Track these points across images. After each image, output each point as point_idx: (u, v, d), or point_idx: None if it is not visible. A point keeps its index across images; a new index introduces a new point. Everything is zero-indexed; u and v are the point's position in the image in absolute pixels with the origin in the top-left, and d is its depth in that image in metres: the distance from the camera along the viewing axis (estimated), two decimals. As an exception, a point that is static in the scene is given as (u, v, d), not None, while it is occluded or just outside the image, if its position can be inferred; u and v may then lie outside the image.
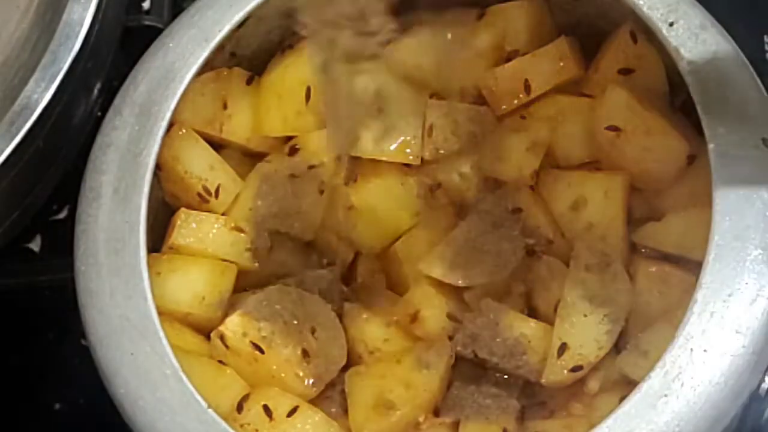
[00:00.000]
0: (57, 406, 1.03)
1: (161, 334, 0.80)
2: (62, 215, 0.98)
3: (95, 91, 0.89)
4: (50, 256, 0.97)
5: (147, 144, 0.85)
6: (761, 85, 0.83)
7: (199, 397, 0.79)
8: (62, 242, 0.87)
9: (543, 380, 0.82)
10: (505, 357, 0.84)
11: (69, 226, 0.86)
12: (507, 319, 0.84)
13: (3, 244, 0.87)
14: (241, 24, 0.89)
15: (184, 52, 0.88)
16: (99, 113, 0.90)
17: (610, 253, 0.84)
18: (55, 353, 1.03)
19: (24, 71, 0.82)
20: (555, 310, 0.84)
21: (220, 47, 0.88)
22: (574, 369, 0.82)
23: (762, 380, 0.85)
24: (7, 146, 0.80)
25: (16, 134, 0.80)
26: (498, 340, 0.84)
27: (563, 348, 0.82)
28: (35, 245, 0.98)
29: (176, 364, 0.80)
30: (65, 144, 0.87)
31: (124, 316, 0.81)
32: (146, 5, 0.96)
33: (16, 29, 0.84)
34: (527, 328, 0.84)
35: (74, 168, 0.88)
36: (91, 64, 0.85)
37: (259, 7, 0.89)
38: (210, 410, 0.79)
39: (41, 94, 0.81)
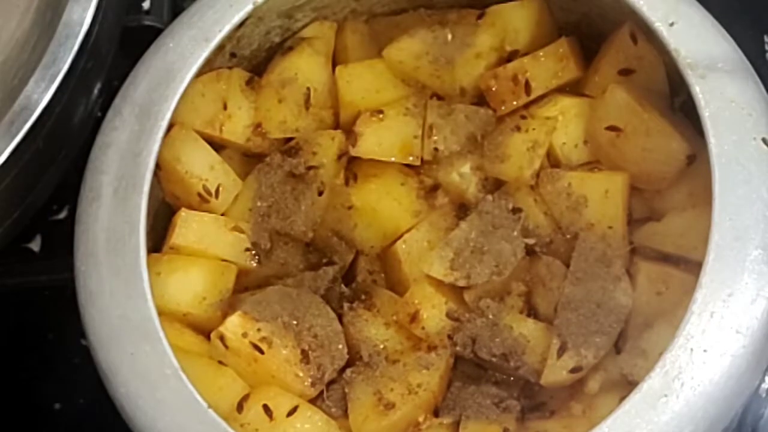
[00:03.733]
0: (57, 406, 1.03)
1: (161, 334, 0.80)
2: (62, 215, 0.98)
3: (95, 91, 0.89)
4: (50, 256, 0.97)
5: (147, 144, 0.85)
6: (761, 85, 0.83)
7: (199, 397, 0.79)
8: (62, 242, 0.87)
9: (542, 381, 0.82)
10: (504, 357, 0.84)
11: (69, 226, 0.86)
12: (507, 319, 0.84)
13: (3, 244, 0.87)
14: (241, 24, 0.89)
15: (184, 52, 0.88)
16: (99, 113, 0.90)
17: (610, 253, 0.84)
18: (55, 353, 1.03)
19: (24, 71, 0.82)
20: (555, 310, 0.84)
21: (220, 47, 0.88)
22: (574, 370, 0.82)
23: (762, 380, 0.85)
24: (7, 146, 0.80)
25: (16, 134, 0.80)
26: (497, 340, 0.84)
27: (563, 348, 0.82)
28: (35, 245, 0.98)
29: (176, 364, 0.80)
30: (65, 144, 0.87)
31: (124, 316, 0.81)
32: (146, 5, 0.96)
33: (16, 29, 0.84)
34: (526, 328, 0.84)
35: (74, 168, 0.88)
36: (91, 64, 0.85)
37: (259, 7, 0.89)
38: (210, 410, 0.79)
39: (41, 94, 0.81)
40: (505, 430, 0.82)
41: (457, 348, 0.85)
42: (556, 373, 0.82)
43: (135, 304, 0.81)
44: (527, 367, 0.84)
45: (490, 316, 0.85)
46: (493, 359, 0.84)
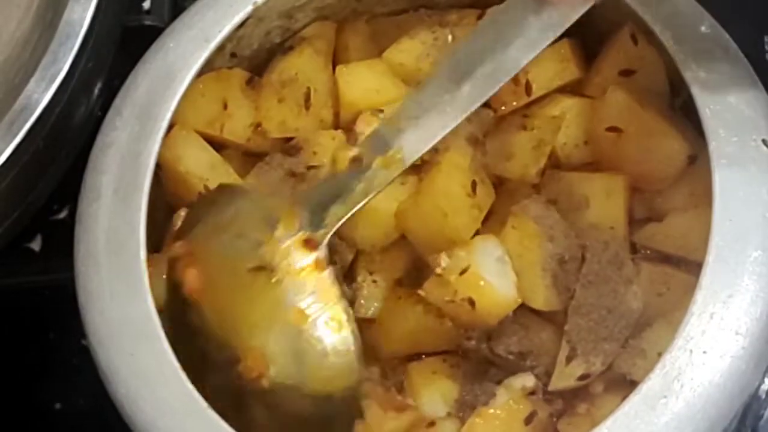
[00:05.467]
0: (57, 406, 1.03)
1: (161, 334, 0.80)
2: (62, 215, 0.98)
3: (95, 91, 0.89)
4: (50, 256, 0.97)
5: (147, 144, 0.85)
6: (761, 85, 0.83)
7: (199, 397, 0.79)
8: (62, 242, 0.87)
9: (550, 387, 0.82)
10: (521, 356, 0.83)
11: (69, 226, 0.86)
12: (523, 319, 0.84)
13: (3, 244, 0.87)
14: (242, 24, 0.89)
15: (184, 52, 0.88)
16: (99, 113, 0.90)
17: (622, 254, 0.83)
18: (55, 353, 1.03)
19: (24, 71, 0.82)
20: (564, 313, 0.83)
21: (220, 47, 0.88)
22: (582, 377, 0.81)
23: (761, 381, 0.85)
24: (7, 146, 0.80)
25: (16, 134, 0.80)
26: (514, 338, 0.84)
27: (571, 356, 0.81)
28: (35, 245, 0.98)
29: (176, 364, 0.80)
30: (65, 144, 0.87)
31: (124, 316, 0.81)
32: (146, 5, 0.96)
33: (17, 29, 0.84)
34: (542, 330, 0.84)
35: (74, 168, 0.88)
36: (91, 64, 0.85)
37: (259, 7, 0.89)
38: (210, 410, 0.78)
39: (41, 94, 0.81)
40: (533, 413, 0.81)
41: (472, 342, 0.85)
42: (565, 380, 0.81)
43: (135, 304, 0.81)
44: (541, 369, 0.83)
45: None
46: (510, 357, 0.84)
